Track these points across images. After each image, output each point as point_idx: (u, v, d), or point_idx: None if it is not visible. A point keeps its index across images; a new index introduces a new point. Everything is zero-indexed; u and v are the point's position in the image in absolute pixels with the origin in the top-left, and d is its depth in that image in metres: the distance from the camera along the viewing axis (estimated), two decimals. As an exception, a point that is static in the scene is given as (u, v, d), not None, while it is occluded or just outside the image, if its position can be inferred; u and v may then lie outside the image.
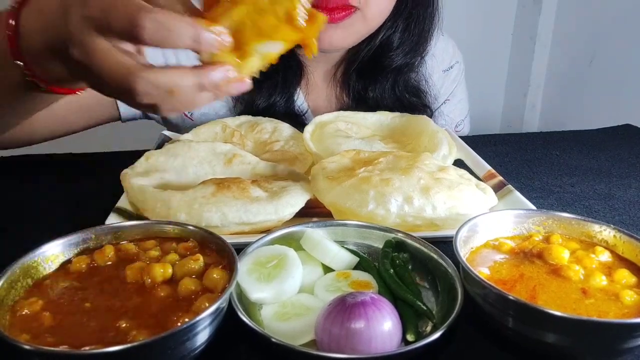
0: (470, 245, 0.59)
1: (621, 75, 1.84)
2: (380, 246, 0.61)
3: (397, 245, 0.61)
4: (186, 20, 0.49)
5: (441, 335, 0.46)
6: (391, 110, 1.03)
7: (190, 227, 0.57)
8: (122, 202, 0.72)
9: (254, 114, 1.01)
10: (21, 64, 0.64)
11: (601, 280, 0.53)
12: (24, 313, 0.46)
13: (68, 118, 1.00)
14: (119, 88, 0.52)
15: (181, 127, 1.10)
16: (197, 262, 0.52)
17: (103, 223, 0.66)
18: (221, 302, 0.46)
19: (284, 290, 0.53)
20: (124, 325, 0.45)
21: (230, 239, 0.55)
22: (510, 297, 0.48)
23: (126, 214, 0.70)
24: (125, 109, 1.05)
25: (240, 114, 1.05)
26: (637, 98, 1.76)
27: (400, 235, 0.61)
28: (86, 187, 0.85)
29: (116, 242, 0.56)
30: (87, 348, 0.42)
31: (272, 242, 0.59)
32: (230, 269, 0.50)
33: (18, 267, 0.49)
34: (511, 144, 1.10)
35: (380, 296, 0.50)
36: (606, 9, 1.89)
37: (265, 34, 0.51)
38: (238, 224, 0.65)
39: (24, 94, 0.70)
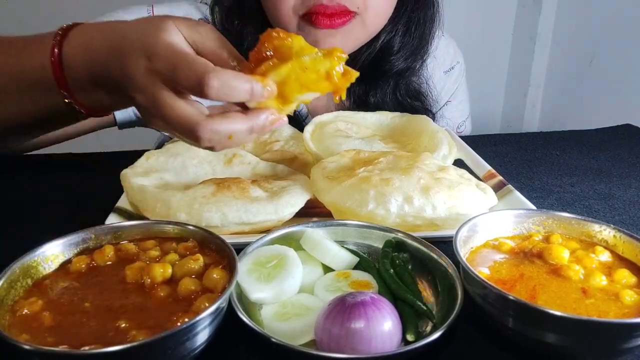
0: (470, 245, 0.59)
1: (621, 75, 1.84)
2: (380, 246, 0.61)
3: (397, 245, 0.61)
4: (244, 78, 0.57)
5: (441, 335, 0.46)
6: None
7: (190, 227, 0.57)
8: (122, 202, 0.72)
9: None
10: (65, 93, 0.71)
11: (601, 280, 0.53)
12: (23, 313, 0.46)
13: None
14: (184, 134, 0.60)
15: None
16: (197, 262, 0.52)
17: (103, 223, 0.66)
18: (221, 302, 0.46)
19: (284, 290, 0.53)
20: (123, 325, 0.45)
21: (230, 239, 0.55)
22: (510, 297, 0.48)
23: (126, 214, 0.70)
24: (121, 115, 1.06)
25: None
26: (637, 98, 1.75)
27: (400, 235, 0.61)
28: (86, 187, 0.85)
29: (116, 242, 0.56)
30: (86, 348, 0.42)
31: (272, 242, 0.59)
32: (230, 269, 0.50)
33: (18, 267, 0.49)
34: (511, 144, 1.10)
35: (380, 296, 0.50)
36: (606, 9, 1.88)
37: (306, 87, 0.60)
38: (238, 224, 0.65)
39: (64, 117, 0.77)
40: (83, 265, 0.53)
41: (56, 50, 0.69)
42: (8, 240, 0.67)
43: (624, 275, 0.54)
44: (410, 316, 0.51)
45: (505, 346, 0.51)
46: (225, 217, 0.65)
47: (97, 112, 0.76)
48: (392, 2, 0.99)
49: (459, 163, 0.89)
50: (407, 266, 0.58)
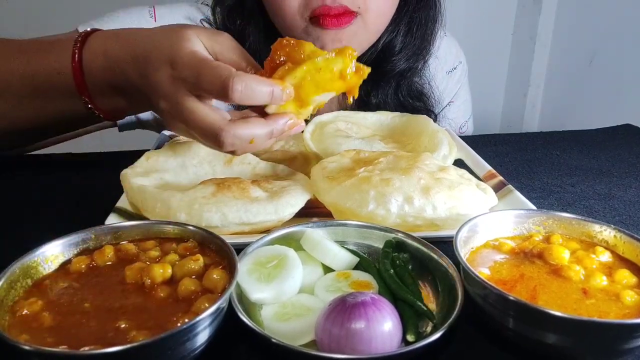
0: (471, 246, 0.59)
1: (621, 75, 1.84)
2: (381, 246, 0.61)
3: (397, 246, 0.61)
4: (265, 81, 0.60)
5: (441, 336, 0.46)
6: None
7: (190, 228, 0.57)
8: (122, 202, 0.72)
9: None
10: (86, 99, 0.75)
11: (602, 281, 0.53)
12: (23, 313, 0.46)
13: None
14: (207, 139, 0.63)
15: None
16: (197, 262, 0.52)
17: (103, 223, 0.66)
18: (221, 303, 0.46)
19: (284, 290, 0.53)
20: (123, 325, 0.45)
21: (230, 239, 0.55)
22: (511, 298, 0.48)
23: (126, 214, 0.70)
24: (122, 119, 1.06)
25: None
26: (637, 98, 1.76)
27: (400, 236, 0.61)
28: (86, 187, 0.85)
29: (116, 243, 0.56)
30: (86, 348, 0.42)
31: (272, 242, 0.59)
32: (230, 269, 0.50)
33: (18, 267, 0.49)
34: (511, 144, 1.10)
35: (380, 296, 0.50)
36: (606, 9, 1.89)
37: (322, 87, 0.63)
38: (238, 224, 0.65)
39: (82, 120, 0.81)
40: (83, 266, 0.53)
41: (77, 56, 0.71)
42: (8, 240, 0.67)
43: (625, 276, 0.54)
44: (411, 316, 0.51)
45: (505, 347, 0.51)
46: (225, 217, 0.65)
47: (114, 116, 0.80)
48: (393, 2, 0.98)
49: (459, 163, 0.89)
50: (407, 266, 0.58)
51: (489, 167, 0.86)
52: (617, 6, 1.84)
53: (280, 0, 0.92)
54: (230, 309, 0.49)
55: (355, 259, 0.60)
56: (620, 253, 0.58)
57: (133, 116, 1.07)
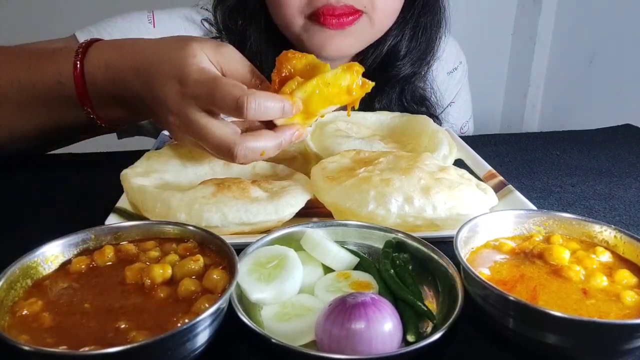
0: (471, 246, 0.58)
1: (621, 75, 1.84)
2: (381, 246, 0.61)
3: (397, 246, 0.61)
4: (276, 98, 0.63)
5: (442, 336, 0.46)
6: None
7: (190, 228, 0.57)
8: (122, 202, 0.72)
9: None
10: (88, 109, 0.76)
11: (602, 281, 0.53)
12: (23, 314, 0.46)
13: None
14: (220, 152, 0.64)
15: None
16: (197, 262, 0.52)
17: (103, 223, 0.65)
18: (221, 303, 0.46)
19: (284, 290, 0.53)
20: (123, 326, 0.45)
21: (230, 239, 0.55)
22: (511, 298, 0.48)
23: (126, 214, 0.70)
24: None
25: None
26: (637, 98, 1.76)
27: (400, 236, 0.61)
28: (86, 187, 0.84)
29: (116, 243, 0.56)
30: (86, 349, 0.42)
31: (272, 243, 0.59)
32: (231, 270, 0.50)
33: (18, 267, 0.49)
34: (511, 144, 1.10)
35: (380, 297, 0.49)
36: (606, 9, 1.88)
37: (329, 101, 0.66)
38: (238, 224, 0.65)
39: (83, 129, 0.82)
40: (83, 266, 0.53)
41: (78, 67, 0.72)
42: (8, 241, 0.67)
43: (625, 276, 0.54)
44: (411, 317, 0.51)
45: (505, 347, 0.51)
46: (225, 217, 0.65)
47: (116, 125, 0.80)
48: (399, 1, 0.98)
49: (459, 163, 0.88)
50: (407, 267, 0.58)
51: (489, 167, 0.86)
52: (617, 6, 1.84)
53: None
54: (230, 309, 0.49)
55: (356, 259, 0.60)
56: (621, 253, 0.58)
57: None
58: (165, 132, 0.99)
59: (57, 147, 0.99)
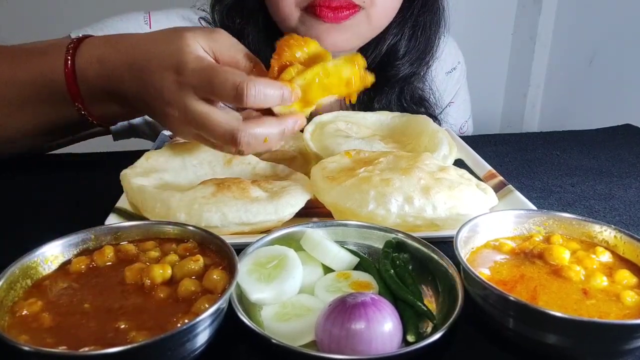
0: (471, 246, 0.58)
1: (621, 75, 1.84)
2: (381, 246, 0.61)
3: (397, 246, 0.61)
4: (275, 84, 0.62)
5: (442, 336, 0.46)
6: None
7: (190, 228, 0.57)
8: (122, 202, 0.72)
9: None
10: (79, 106, 0.75)
11: (602, 281, 0.53)
12: (23, 314, 0.46)
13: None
14: (222, 140, 0.63)
15: None
16: (197, 262, 0.52)
17: (103, 223, 0.65)
18: (221, 303, 0.46)
19: (284, 290, 0.53)
20: (123, 326, 0.45)
21: (230, 240, 0.55)
22: (511, 298, 0.47)
23: (126, 214, 0.70)
24: (115, 127, 1.05)
25: None
26: (637, 98, 1.75)
27: (400, 236, 0.61)
28: (86, 187, 0.84)
29: (116, 243, 0.56)
30: (86, 349, 0.42)
31: (272, 243, 0.59)
32: (230, 270, 0.50)
33: (17, 267, 0.49)
34: (511, 144, 1.10)
35: (380, 297, 0.49)
36: (606, 9, 1.88)
37: (327, 91, 0.65)
38: (238, 224, 0.65)
39: (75, 126, 0.81)
40: (83, 266, 0.53)
41: (69, 63, 0.71)
42: (8, 241, 0.67)
43: (625, 276, 0.54)
44: (411, 317, 0.51)
45: (505, 347, 0.51)
46: (225, 217, 0.65)
47: (108, 122, 0.79)
48: None
49: (459, 163, 0.88)
50: (407, 267, 0.58)
51: (489, 167, 0.86)
52: (617, 6, 1.84)
53: None
54: (230, 310, 0.49)
55: (356, 259, 0.60)
56: (621, 253, 0.58)
57: (126, 122, 1.07)
58: (165, 132, 0.99)
59: (56, 147, 0.99)
